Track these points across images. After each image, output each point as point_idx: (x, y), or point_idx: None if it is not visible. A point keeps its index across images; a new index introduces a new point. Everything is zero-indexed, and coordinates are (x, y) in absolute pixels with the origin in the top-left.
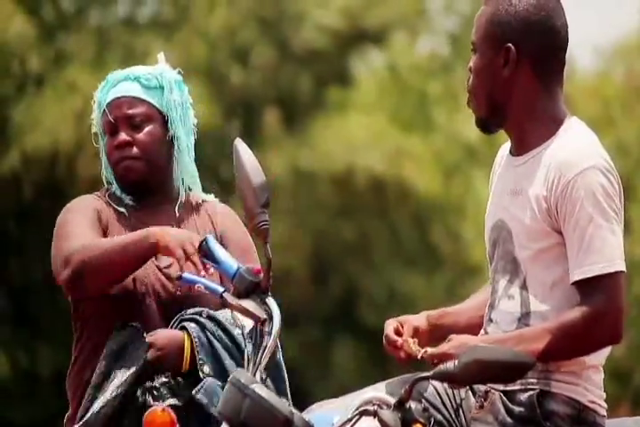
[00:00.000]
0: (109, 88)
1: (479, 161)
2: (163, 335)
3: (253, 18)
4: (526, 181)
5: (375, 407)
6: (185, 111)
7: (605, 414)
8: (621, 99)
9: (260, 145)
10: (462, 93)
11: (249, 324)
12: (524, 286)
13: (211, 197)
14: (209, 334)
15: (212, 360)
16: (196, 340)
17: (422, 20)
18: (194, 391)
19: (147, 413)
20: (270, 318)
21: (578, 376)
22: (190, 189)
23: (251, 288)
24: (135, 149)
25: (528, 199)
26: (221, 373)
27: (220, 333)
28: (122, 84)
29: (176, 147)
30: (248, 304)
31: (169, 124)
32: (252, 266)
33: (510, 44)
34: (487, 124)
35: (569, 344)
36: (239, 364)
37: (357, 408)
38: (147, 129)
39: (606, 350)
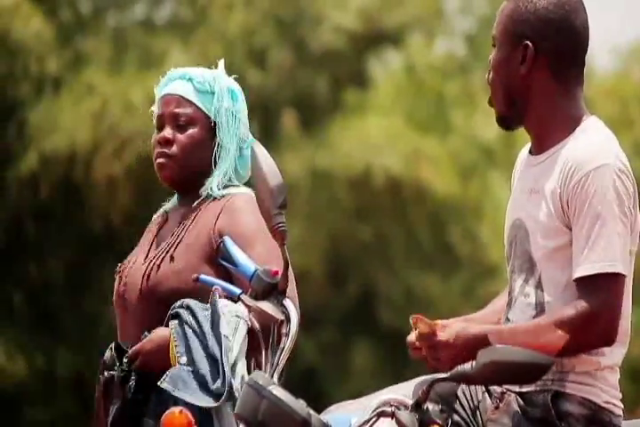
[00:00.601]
0: (166, 84)
1: (496, 162)
2: (152, 339)
3: (271, 19)
4: (543, 179)
5: (393, 409)
6: (234, 120)
7: (621, 414)
8: (639, 99)
9: (277, 147)
10: (480, 94)
11: (241, 309)
12: (539, 286)
13: (242, 190)
14: (185, 324)
15: (187, 350)
16: (175, 335)
17: (439, 20)
18: (159, 382)
19: (164, 415)
20: (288, 319)
21: (593, 377)
22: (221, 196)
23: (268, 290)
24: (174, 148)
25: (544, 197)
26: (192, 359)
27: (191, 320)
28: (176, 81)
29: (218, 154)
30: (265, 306)
31: (218, 132)
32: (269, 268)
33: (528, 42)
34: (506, 121)
35: (575, 332)
36: (203, 346)
37: (375, 409)
38: (189, 131)
39: (622, 350)
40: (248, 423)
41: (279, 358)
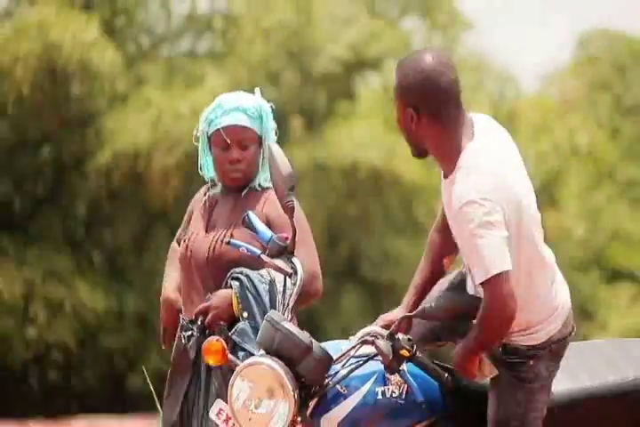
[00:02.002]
0: (223, 114)
1: None
2: (217, 297)
3: (283, 51)
4: (446, 200)
5: (372, 338)
6: (273, 133)
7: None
8: (556, 111)
9: (287, 145)
10: None
11: (279, 278)
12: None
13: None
14: (246, 289)
15: (248, 308)
16: (238, 295)
17: (407, 51)
18: (230, 333)
19: (205, 342)
20: (295, 272)
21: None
22: (261, 186)
23: (280, 250)
24: (242, 166)
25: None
26: (253, 316)
27: (252, 288)
28: (233, 113)
29: (265, 159)
30: (279, 262)
31: (262, 144)
32: (281, 234)
33: (410, 109)
34: (417, 154)
35: (485, 332)
36: (262, 309)
37: (359, 338)
38: (250, 149)
39: (554, 325)
40: (266, 349)
41: (289, 301)
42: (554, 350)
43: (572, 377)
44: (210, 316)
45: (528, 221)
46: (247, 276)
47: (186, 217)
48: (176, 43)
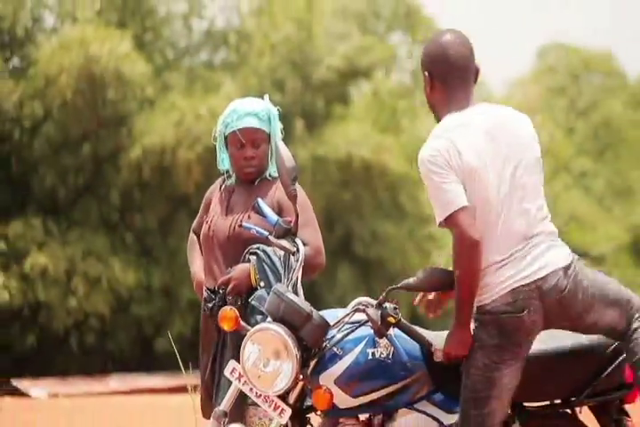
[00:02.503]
0: (237, 118)
1: None
2: (237, 271)
3: (287, 62)
4: None
5: (364, 307)
6: (279, 132)
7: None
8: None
9: (291, 143)
10: (419, 108)
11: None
12: None
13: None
14: (262, 262)
15: (265, 278)
16: (255, 267)
17: (394, 62)
18: (250, 299)
19: (221, 310)
20: (297, 251)
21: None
22: (271, 176)
23: (285, 232)
24: (255, 162)
25: None
26: (269, 285)
27: (268, 260)
28: (247, 117)
29: (272, 153)
30: (284, 242)
31: (271, 141)
32: (286, 218)
33: (426, 73)
34: (437, 120)
35: (461, 271)
36: (278, 279)
37: (352, 307)
38: (262, 148)
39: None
40: (273, 316)
41: (292, 275)
42: (499, 321)
43: (539, 341)
44: (231, 286)
45: (481, 188)
46: (264, 251)
47: (203, 205)
48: (196, 55)
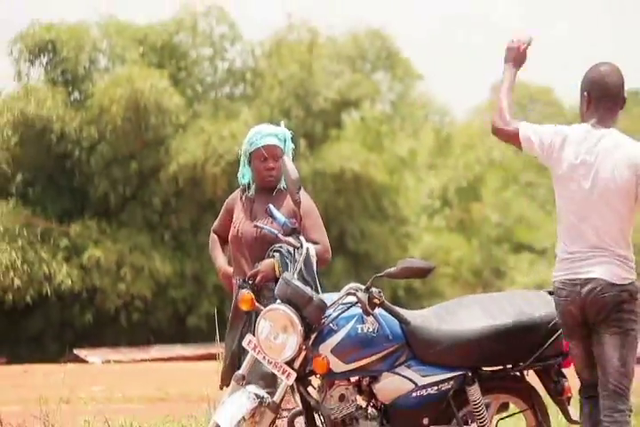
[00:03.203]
0: (261, 137)
1: (407, 166)
2: (264, 265)
3: (292, 94)
4: None
5: (354, 291)
6: (291, 151)
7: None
8: (478, 135)
9: (296, 158)
10: (398, 132)
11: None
12: None
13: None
14: (285, 257)
15: (286, 270)
16: (279, 262)
17: (378, 94)
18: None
19: (239, 294)
20: (301, 246)
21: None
22: (284, 188)
23: (291, 231)
24: (275, 172)
25: None
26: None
27: (290, 256)
28: (269, 137)
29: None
30: (290, 239)
31: (285, 157)
32: (292, 220)
33: (585, 93)
34: None
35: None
36: (295, 269)
37: (345, 291)
38: (279, 162)
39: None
40: (281, 299)
41: (297, 265)
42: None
43: (491, 316)
44: (259, 277)
45: (574, 189)
46: (286, 249)
47: (223, 210)
48: (220, 89)
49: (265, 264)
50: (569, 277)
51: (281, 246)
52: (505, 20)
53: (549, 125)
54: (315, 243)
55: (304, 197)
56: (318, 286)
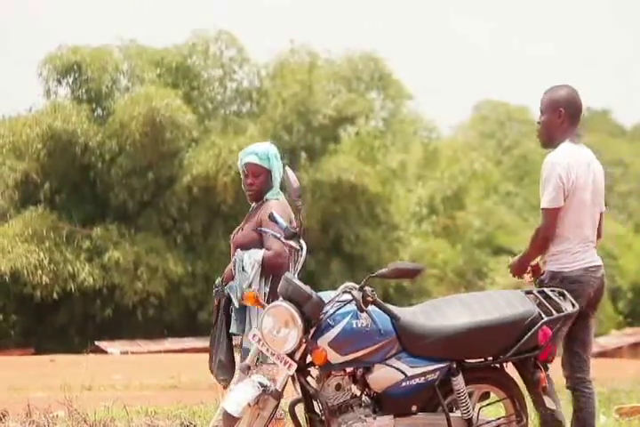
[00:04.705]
0: (244, 156)
1: (398, 177)
2: (227, 269)
3: (294, 111)
4: None
5: (349, 289)
6: (278, 166)
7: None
8: (462, 149)
9: (297, 169)
10: (390, 146)
11: (257, 257)
12: None
13: (274, 196)
14: (235, 264)
15: (236, 275)
16: (234, 267)
17: (371, 112)
18: (226, 288)
19: (245, 292)
20: (301, 248)
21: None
22: (267, 199)
23: (292, 235)
24: (254, 187)
25: None
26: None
27: (240, 264)
28: (249, 155)
29: (272, 182)
30: (291, 242)
31: (271, 174)
32: (293, 225)
33: (562, 108)
34: (545, 146)
35: (533, 244)
36: (243, 278)
37: (341, 290)
38: (260, 178)
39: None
40: (283, 296)
41: (297, 266)
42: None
43: (474, 313)
44: (222, 278)
45: (579, 197)
46: (240, 256)
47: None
48: (229, 107)
49: (227, 270)
50: (588, 265)
51: (238, 255)
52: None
53: (555, 182)
54: (268, 249)
55: (270, 203)
56: (258, 285)
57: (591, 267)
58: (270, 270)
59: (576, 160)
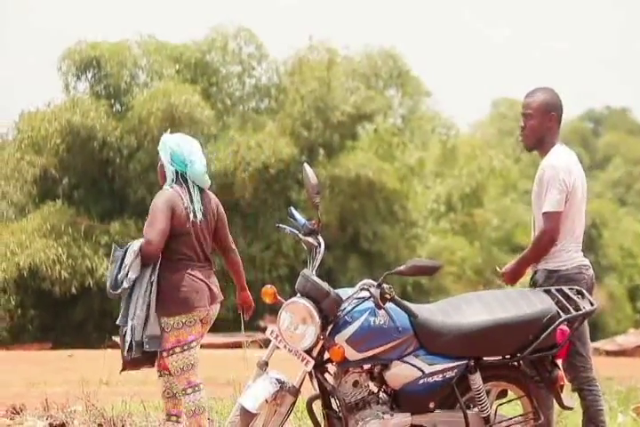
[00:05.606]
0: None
1: (415, 173)
2: None
3: (313, 108)
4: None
5: (367, 286)
6: (167, 158)
7: (573, 266)
8: (480, 146)
9: (315, 166)
10: (407, 143)
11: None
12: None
13: (166, 187)
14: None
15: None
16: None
17: (390, 109)
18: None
19: (263, 288)
20: (319, 245)
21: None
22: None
23: (310, 231)
24: (159, 178)
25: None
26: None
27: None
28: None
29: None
30: (310, 239)
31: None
32: (312, 221)
33: (554, 113)
34: (531, 149)
35: (534, 248)
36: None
37: (359, 287)
38: (160, 169)
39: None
40: (301, 293)
41: (315, 263)
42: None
43: (492, 311)
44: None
45: (576, 199)
46: (125, 248)
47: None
48: (247, 103)
49: None
50: (581, 263)
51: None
52: (504, 41)
53: (559, 186)
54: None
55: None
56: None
57: (584, 265)
58: (143, 259)
59: (573, 163)
